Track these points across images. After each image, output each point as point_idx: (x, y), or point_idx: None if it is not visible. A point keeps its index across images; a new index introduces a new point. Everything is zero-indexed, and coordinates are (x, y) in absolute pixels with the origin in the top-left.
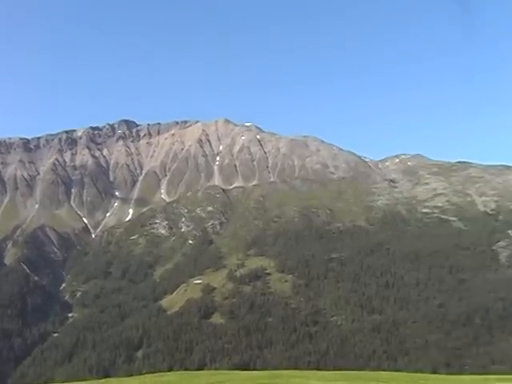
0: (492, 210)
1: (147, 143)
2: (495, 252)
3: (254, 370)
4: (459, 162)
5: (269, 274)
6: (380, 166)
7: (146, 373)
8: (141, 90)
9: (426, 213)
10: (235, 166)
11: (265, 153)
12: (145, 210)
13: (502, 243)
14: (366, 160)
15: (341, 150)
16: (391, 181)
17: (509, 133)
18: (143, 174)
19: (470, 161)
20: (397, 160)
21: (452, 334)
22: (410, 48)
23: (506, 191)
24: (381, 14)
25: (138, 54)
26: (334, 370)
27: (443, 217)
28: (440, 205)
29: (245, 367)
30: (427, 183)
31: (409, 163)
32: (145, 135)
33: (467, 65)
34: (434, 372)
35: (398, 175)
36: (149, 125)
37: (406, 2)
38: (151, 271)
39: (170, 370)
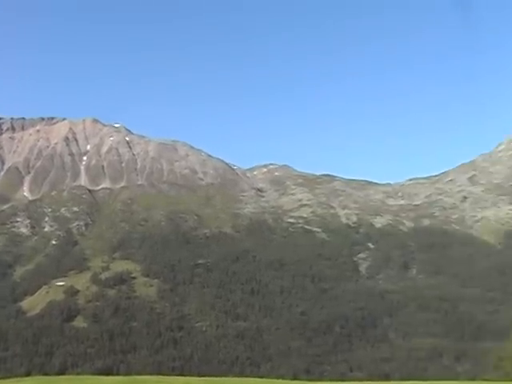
0: (354, 222)
1: (10, 138)
2: (356, 263)
3: (117, 375)
4: (324, 175)
5: (134, 277)
6: (248, 174)
7: (1, 378)
8: (4, 82)
9: (291, 223)
10: (103, 166)
11: (133, 155)
12: (5, 207)
13: (362, 255)
14: (235, 168)
15: (210, 156)
16: (258, 190)
17: (371, 149)
18: (5, 170)
19: (334, 174)
20: (264, 169)
21: (313, 341)
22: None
23: (366, 205)
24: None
25: (2, 44)
26: (199, 375)
27: (307, 227)
28: (305, 215)
29: (108, 372)
30: (293, 194)
31: (276, 173)
32: (8, 129)
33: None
34: (295, 378)
35: (266, 184)
36: (12, 119)
37: None
38: (11, 271)
39: (28, 375)
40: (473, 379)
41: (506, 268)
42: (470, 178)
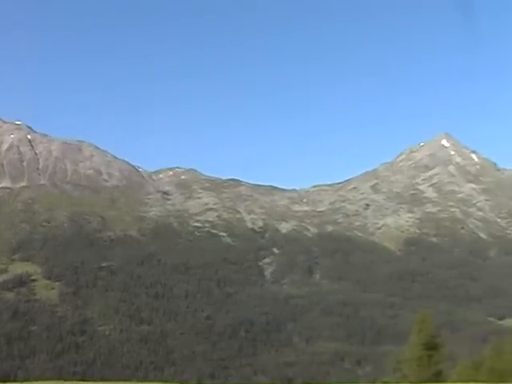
0: (259, 227)
1: None
2: (261, 268)
3: (15, 381)
4: (230, 180)
5: (34, 280)
6: (154, 177)
7: None
8: None
9: (197, 226)
10: (2, 165)
11: (36, 154)
12: None
13: (267, 260)
14: (140, 170)
15: (115, 157)
16: (164, 193)
17: (277, 155)
18: None
19: (240, 179)
20: (171, 173)
21: (218, 345)
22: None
23: (272, 210)
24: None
25: None
26: (101, 380)
27: (213, 231)
28: (211, 219)
29: (5, 379)
30: (199, 198)
31: (182, 176)
32: None
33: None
34: (199, 383)
35: (172, 188)
36: None
37: None
38: None
39: None
40: (373, 382)
41: (405, 274)
42: (373, 187)
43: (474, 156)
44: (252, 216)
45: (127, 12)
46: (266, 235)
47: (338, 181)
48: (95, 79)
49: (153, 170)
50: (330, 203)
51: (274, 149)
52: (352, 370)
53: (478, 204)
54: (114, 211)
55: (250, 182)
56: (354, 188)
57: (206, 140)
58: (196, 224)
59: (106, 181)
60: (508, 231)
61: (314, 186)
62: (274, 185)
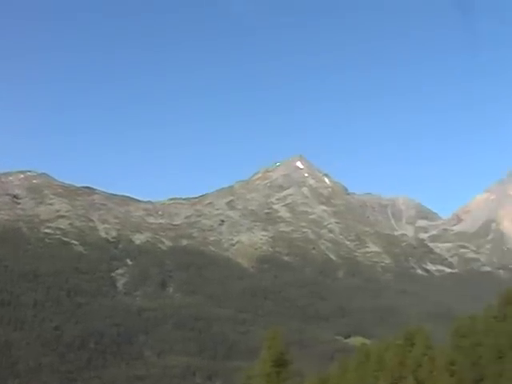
0: (113, 237)
1: None
2: (113, 279)
3: None
4: (84, 187)
5: None
6: (3, 179)
7: None
8: None
9: (48, 233)
10: None
11: None
12: None
13: (120, 271)
14: None
15: None
16: (14, 196)
17: (133, 165)
18: None
19: (95, 187)
20: (21, 176)
21: (66, 356)
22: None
23: (126, 221)
24: None
25: None
26: None
27: (65, 239)
28: (63, 227)
29: None
30: (51, 204)
31: (34, 181)
32: None
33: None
34: None
35: (22, 191)
36: None
37: None
38: None
39: None
40: None
41: (257, 291)
42: (228, 203)
43: (326, 179)
44: (105, 225)
45: None
46: (120, 246)
47: (194, 195)
48: None
49: (2, 172)
50: (186, 217)
51: (130, 159)
52: None
53: (329, 226)
54: None
55: (105, 190)
56: (210, 203)
57: (60, 145)
58: (47, 230)
59: None
60: (356, 253)
61: (170, 199)
62: (130, 195)
